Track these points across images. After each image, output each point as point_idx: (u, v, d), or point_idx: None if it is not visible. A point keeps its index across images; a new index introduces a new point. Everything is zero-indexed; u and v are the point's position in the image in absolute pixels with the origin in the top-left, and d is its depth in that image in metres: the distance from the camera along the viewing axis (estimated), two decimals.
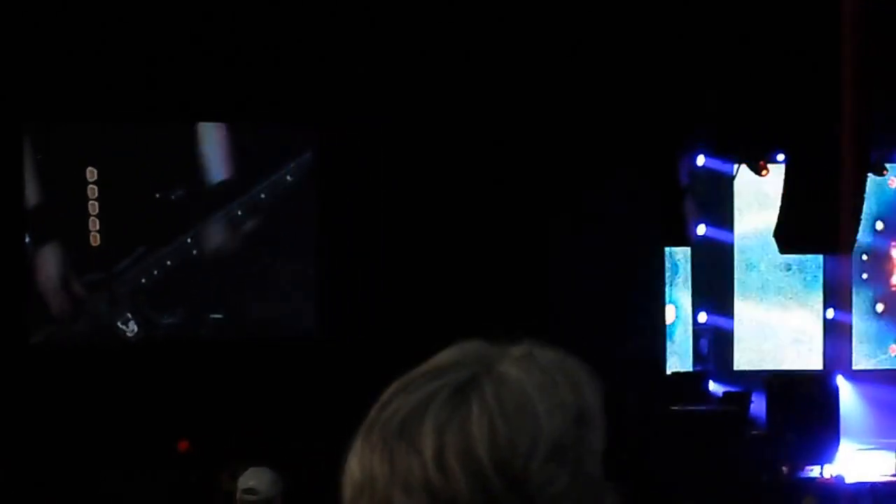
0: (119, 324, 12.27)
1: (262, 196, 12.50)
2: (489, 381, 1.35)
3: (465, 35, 12.08)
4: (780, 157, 13.55)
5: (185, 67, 11.93)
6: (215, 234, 12.48)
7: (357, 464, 1.36)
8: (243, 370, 12.20)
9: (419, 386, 1.36)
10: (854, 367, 14.73)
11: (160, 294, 12.39)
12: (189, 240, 12.41)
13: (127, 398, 11.82)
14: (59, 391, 11.84)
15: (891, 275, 15.08)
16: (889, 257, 15.05)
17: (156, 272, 12.32)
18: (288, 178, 12.56)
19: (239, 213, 12.46)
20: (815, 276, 14.95)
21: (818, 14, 11.25)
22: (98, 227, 12.18)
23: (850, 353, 14.87)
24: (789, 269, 14.90)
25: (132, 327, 12.28)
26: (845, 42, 11.00)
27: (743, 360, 14.88)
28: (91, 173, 12.10)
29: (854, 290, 14.92)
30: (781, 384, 13.61)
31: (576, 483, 1.34)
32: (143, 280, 12.29)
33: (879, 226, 14.85)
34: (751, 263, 14.91)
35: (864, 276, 14.97)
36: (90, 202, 12.15)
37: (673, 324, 14.48)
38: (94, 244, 12.19)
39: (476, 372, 1.36)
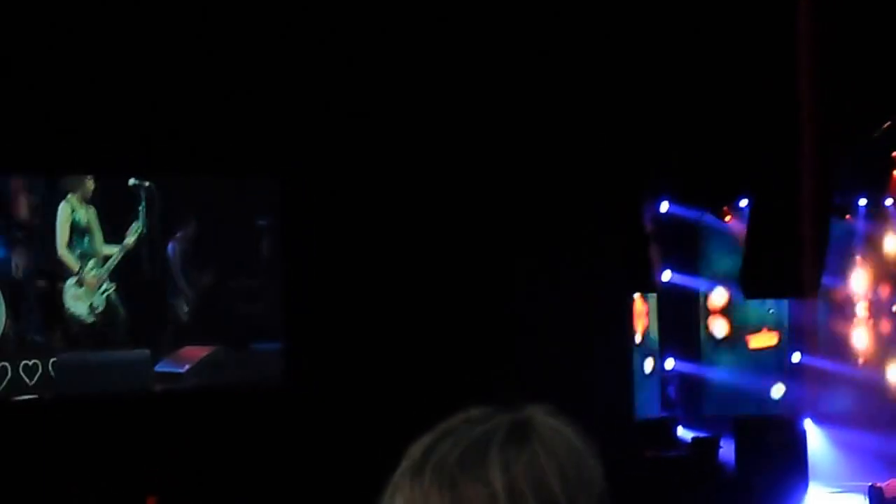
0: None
1: (228, 246, 12.48)
2: (538, 424, 1.37)
3: (429, 83, 12.14)
4: (744, 202, 13.63)
5: (148, 123, 11.90)
6: (179, 284, 12.42)
7: (405, 502, 1.35)
8: (210, 422, 12.11)
9: (467, 430, 1.36)
10: None
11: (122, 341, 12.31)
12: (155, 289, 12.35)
13: (92, 452, 11.70)
14: (19, 445, 11.67)
15: None
16: None
17: (118, 319, 12.24)
18: (254, 227, 12.55)
19: (204, 262, 12.43)
20: None
21: (778, 60, 11.35)
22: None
23: (818, 396, 14.91)
24: None
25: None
26: (806, 87, 11.09)
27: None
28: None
29: None
30: (750, 428, 13.63)
31: None
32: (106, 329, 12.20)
33: None
34: None
35: None
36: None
37: None
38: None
39: (522, 416, 1.38)
